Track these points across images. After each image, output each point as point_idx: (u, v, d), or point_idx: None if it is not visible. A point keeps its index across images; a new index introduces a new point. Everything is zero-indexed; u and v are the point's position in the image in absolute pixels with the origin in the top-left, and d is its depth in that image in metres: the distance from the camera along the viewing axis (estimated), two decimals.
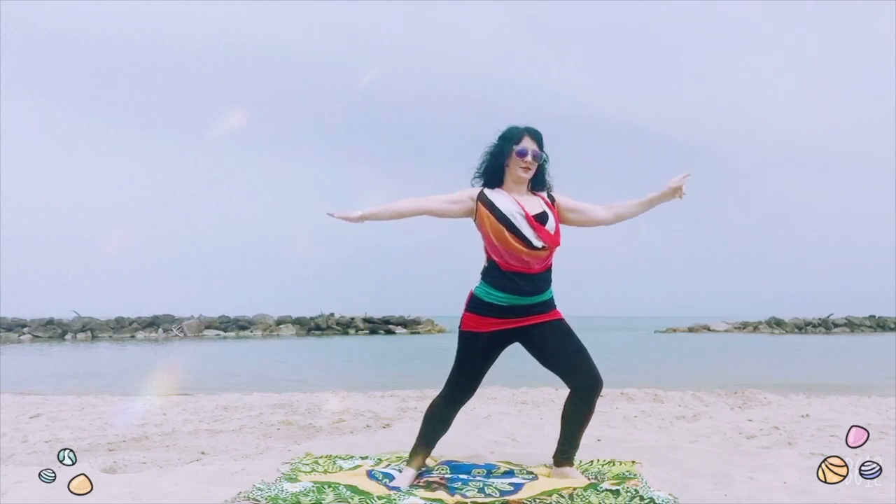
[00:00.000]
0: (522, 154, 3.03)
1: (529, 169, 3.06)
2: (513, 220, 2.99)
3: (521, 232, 2.98)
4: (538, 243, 2.99)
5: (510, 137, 3.07)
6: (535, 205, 3.08)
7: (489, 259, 3.09)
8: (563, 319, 3.15)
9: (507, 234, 2.98)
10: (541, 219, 3.03)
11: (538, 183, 3.15)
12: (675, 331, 34.47)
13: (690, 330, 34.37)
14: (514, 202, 3.04)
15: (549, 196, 3.16)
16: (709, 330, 34.25)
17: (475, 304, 3.11)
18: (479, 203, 3.05)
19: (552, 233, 3.03)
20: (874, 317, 36.74)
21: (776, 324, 35.15)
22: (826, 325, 35.03)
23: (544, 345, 3.10)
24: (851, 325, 35.32)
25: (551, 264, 3.11)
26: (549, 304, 3.13)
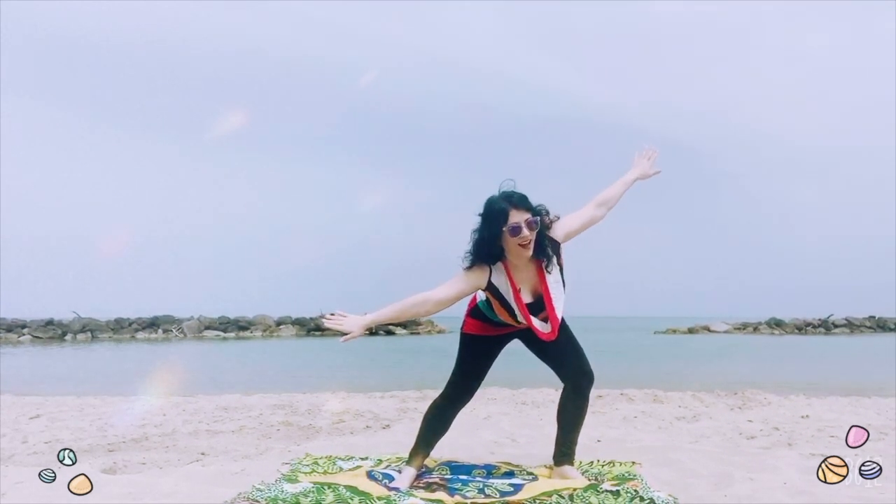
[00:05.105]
0: (516, 232, 2.81)
1: (528, 244, 2.85)
2: (516, 308, 2.95)
3: (523, 321, 2.99)
4: (543, 331, 2.99)
5: (495, 218, 2.82)
6: (531, 285, 2.98)
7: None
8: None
9: (509, 317, 3.01)
10: (533, 309, 2.96)
11: (541, 248, 2.93)
12: (674, 331, 34.43)
13: (690, 331, 34.32)
14: (509, 287, 2.93)
15: (554, 248, 2.99)
16: (709, 330, 34.19)
17: (478, 313, 3.15)
18: (489, 292, 2.98)
19: (546, 331, 2.98)
20: (874, 317, 36.70)
21: (776, 324, 35.13)
22: (826, 326, 35.01)
23: (541, 340, 3.10)
24: (851, 326, 35.30)
25: None
26: None
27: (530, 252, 2.88)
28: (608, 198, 3.19)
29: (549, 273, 2.95)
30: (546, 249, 2.94)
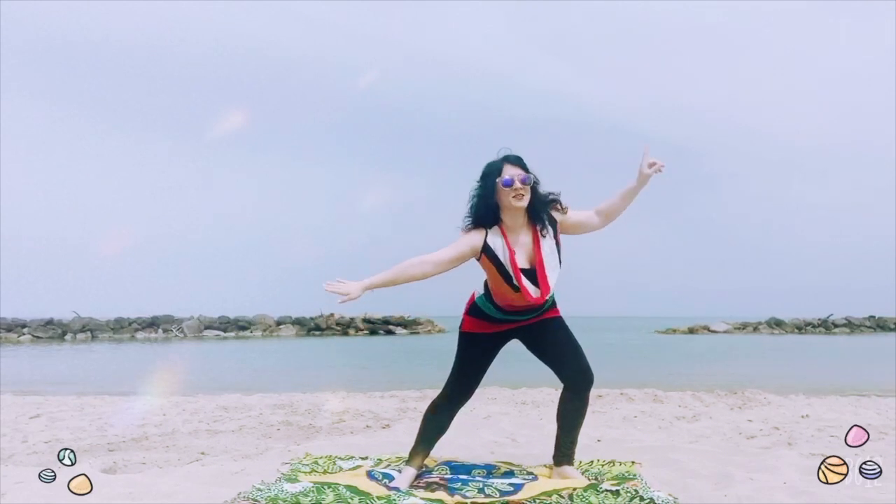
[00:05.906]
0: (508, 184, 2.92)
1: (522, 196, 2.94)
2: (511, 271, 2.96)
3: (517, 287, 2.97)
4: (533, 295, 2.99)
5: (490, 173, 2.97)
6: (527, 251, 3.01)
7: (488, 286, 3.10)
8: (560, 317, 3.19)
9: (505, 285, 2.99)
10: (529, 275, 2.98)
11: (536, 211, 3.01)
12: (674, 331, 34.44)
13: (690, 330, 34.32)
14: (506, 249, 2.97)
15: (551, 222, 3.05)
16: (709, 330, 34.20)
17: (476, 310, 3.16)
18: (484, 255, 2.99)
19: (535, 295, 2.98)
20: (874, 317, 36.70)
21: (776, 324, 35.15)
22: (826, 326, 35.04)
23: (541, 340, 3.14)
24: (851, 326, 35.33)
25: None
26: (550, 306, 3.16)
27: (523, 203, 2.95)
28: (606, 208, 3.17)
29: (544, 237, 3.00)
30: (541, 215, 3.03)
